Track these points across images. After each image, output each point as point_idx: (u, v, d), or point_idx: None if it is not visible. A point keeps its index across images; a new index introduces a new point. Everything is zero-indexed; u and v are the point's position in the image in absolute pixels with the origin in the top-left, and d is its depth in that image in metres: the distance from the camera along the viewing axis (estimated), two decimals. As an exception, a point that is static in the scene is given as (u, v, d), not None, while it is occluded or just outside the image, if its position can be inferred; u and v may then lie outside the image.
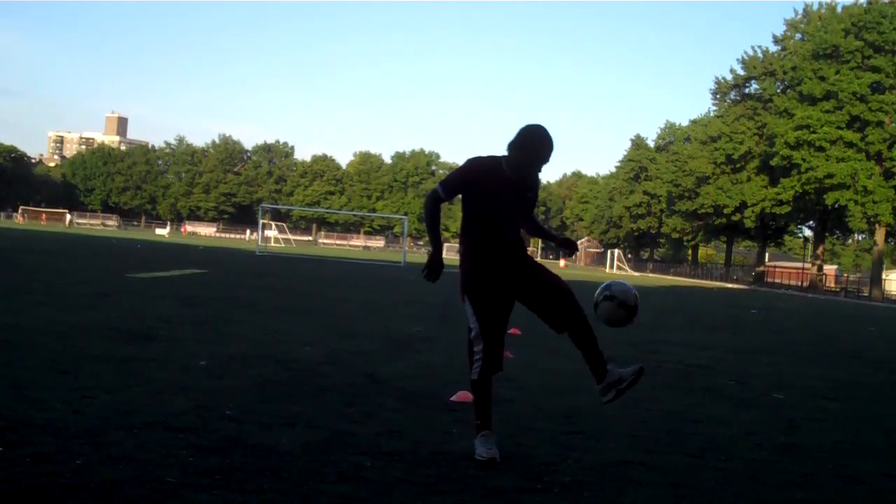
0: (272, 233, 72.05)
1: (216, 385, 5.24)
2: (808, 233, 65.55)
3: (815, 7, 55.50)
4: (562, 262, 66.92)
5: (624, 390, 3.89)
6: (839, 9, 50.98)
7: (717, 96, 65.96)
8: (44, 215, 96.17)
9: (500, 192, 3.88)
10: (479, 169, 3.91)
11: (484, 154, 4.02)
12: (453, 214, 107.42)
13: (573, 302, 3.91)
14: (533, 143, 3.83)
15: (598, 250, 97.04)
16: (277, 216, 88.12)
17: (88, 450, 3.54)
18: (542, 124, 3.89)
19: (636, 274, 69.21)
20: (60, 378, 5.05)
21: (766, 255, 69.73)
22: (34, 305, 8.94)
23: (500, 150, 3.96)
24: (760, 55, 60.57)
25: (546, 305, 3.94)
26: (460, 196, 4.04)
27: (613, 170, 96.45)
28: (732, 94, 63.94)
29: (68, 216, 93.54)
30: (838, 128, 45.86)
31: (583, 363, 4.05)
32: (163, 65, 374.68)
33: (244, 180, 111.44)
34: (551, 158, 3.90)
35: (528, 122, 3.94)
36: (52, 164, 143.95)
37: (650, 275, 71.29)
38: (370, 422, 4.54)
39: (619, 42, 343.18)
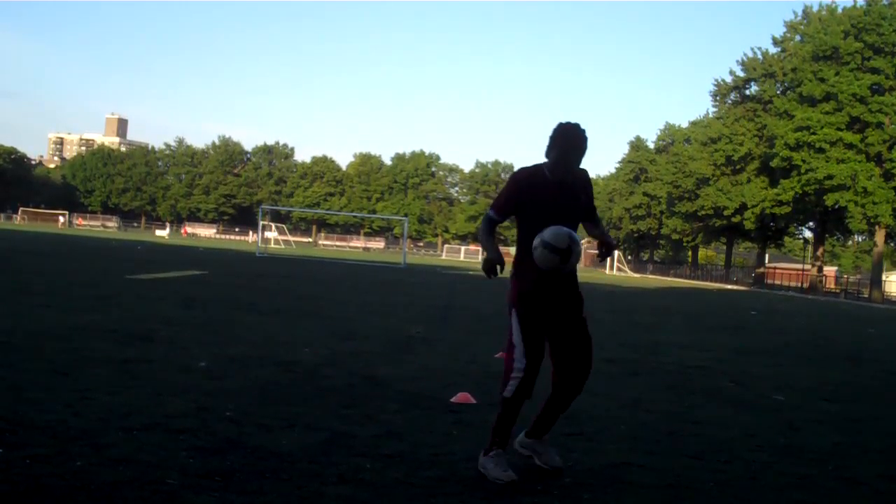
0: (272, 234, 72.02)
1: (216, 387, 5.24)
2: (808, 234, 65.57)
3: (815, 9, 55.53)
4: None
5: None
6: (839, 10, 51.02)
7: (717, 98, 65.97)
8: (34, 216, 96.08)
9: (549, 201, 3.75)
10: (523, 180, 3.80)
11: (528, 165, 3.90)
12: (453, 216, 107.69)
13: (583, 378, 3.81)
14: (564, 140, 3.71)
15: (597, 251, 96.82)
16: (277, 217, 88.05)
17: (88, 451, 3.54)
18: (572, 121, 3.77)
19: (636, 275, 69.21)
20: (60, 380, 5.05)
21: (766, 256, 69.70)
22: (34, 307, 8.94)
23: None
24: (760, 57, 60.58)
25: (562, 356, 3.80)
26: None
27: (613, 171, 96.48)
28: (732, 96, 63.95)
29: (61, 217, 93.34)
30: (838, 129, 45.85)
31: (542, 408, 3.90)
32: (163, 66, 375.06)
33: (244, 182, 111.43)
34: (585, 153, 3.77)
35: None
36: (52, 166, 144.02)
37: (650, 276, 71.28)
38: (370, 423, 4.54)
39: (619, 43, 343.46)
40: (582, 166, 3.85)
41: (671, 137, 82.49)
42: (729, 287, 53.99)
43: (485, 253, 3.84)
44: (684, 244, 76.88)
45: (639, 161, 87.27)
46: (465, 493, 3.41)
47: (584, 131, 3.74)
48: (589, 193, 3.92)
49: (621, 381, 6.84)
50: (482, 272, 3.86)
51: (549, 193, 3.75)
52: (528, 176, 3.80)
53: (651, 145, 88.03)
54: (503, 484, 3.56)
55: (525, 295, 3.77)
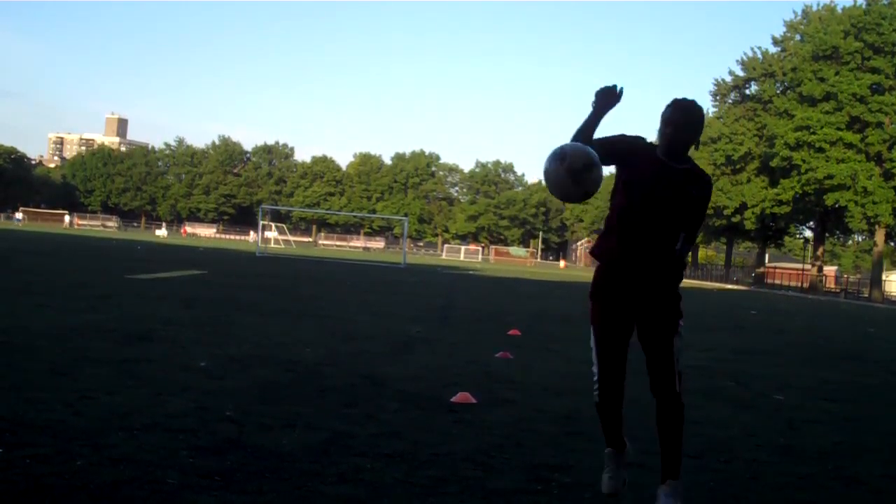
0: (272, 234, 71.99)
1: (216, 386, 5.24)
2: (808, 234, 65.54)
3: (815, 8, 55.55)
4: (562, 264, 66.87)
5: None
6: (839, 10, 51.02)
7: (717, 97, 65.98)
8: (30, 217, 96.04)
9: (654, 180, 3.18)
10: (629, 138, 3.31)
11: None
12: (453, 216, 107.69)
13: (672, 381, 3.36)
14: (679, 114, 3.18)
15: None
16: (277, 217, 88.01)
17: (88, 451, 3.54)
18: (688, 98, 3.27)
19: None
20: (60, 379, 5.05)
21: (766, 256, 69.71)
22: (34, 307, 8.94)
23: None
24: (760, 56, 60.59)
25: (648, 364, 3.37)
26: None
27: (613, 170, 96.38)
28: (732, 96, 63.96)
29: (66, 217, 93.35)
30: (838, 129, 45.86)
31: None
32: (163, 66, 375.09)
33: (244, 181, 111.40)
34: (700, 134, 3.25)
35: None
36: (52, 166, 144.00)
37: (650, 276, 71.22)
38: (370, 423, 4.54)
39: (619, 43, 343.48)
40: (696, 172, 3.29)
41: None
42: (729, 287, 54.00)
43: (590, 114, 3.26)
44: (684, 244, 76.80)
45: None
46: (465, 493, 3.41)
47: (700, 109, 3.25)
48: (703, 192, 3.27)
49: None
50: (597, 99, 3.25)
51: (654, 170, 3.20)
52: (638, 144, 3.30)
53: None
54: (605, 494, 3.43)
55: (600, 291, 3.32)
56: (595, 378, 3.36)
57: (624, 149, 3.28)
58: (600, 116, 3.27)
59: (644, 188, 3.19)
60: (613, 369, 3.33)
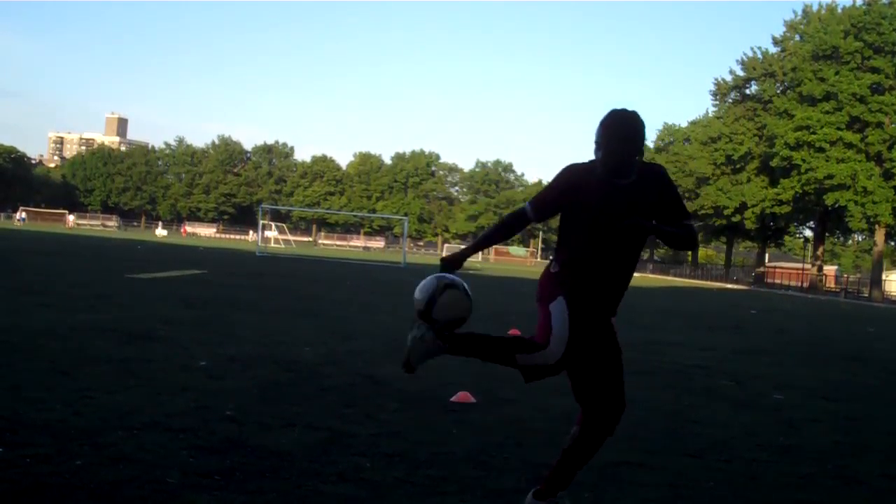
0: (272, 233, 71.98)
1: (216, 386, 5.24)
2: (808, 233, 65.61)
3: (815, 8, 55.55)
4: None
5: None
6: (839, 10, 51.03)
7: (717, 97, 66.02)
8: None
9: (599, 204, 3.01)
10: (572, 176, 3.07)
11: (579, 162, 3.18)
12: (453, 215, 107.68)
13: (617, 416, 3.15)
14: (614, 128, 3.00)
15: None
16: (277, 217, 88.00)
17: (88, 450, 3.54)
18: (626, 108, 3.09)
19: (636, 274, 69.16)
20: (60, 379, 5.05)
21: (766, 255, 69.73)
22: (34, 307, 8.94)
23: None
24: (760, 56, 60.61)
25: (595, 389, 3.12)
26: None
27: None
28: (732, 95, 64.00)
29: (71, 217, 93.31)
30: (838, 129, 45.89)
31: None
32: (163, 65, 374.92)
33: (244, 181, 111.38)
34: (643, 143, 3.07)
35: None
36: (52, 165, 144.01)
37: (650, 275, 71.28)
38: (370, 422, 4.55)
39: (619, 43, 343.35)
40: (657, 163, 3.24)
41: (671, 137, 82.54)
42: (729, 286, 53.99)
43: (460, 252, 3.21)
44: (684, 244, 76.80)
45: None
46: (465, 493, 3.41)
47: (638, 116, 3.04)
48: (666, 192, 3.13)
49: (621, 381, 6.84)
50: (439, 264, 3.23)
51: (600, 194, 3.02)
52: (578, 172, 3.07)
53: (651, 145, 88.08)
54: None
55: (577, 297, 3.05)
56: (544, 360, 3.05)
57: (563, 197, 3.08)
58: (475, 252, 3.27)
59: (593, 213, 3.01)
60: (564, 367, 3.09)
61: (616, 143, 2.98)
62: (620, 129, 2.99)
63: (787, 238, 73.25)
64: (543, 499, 3.20)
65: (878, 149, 45.23)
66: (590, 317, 3.06)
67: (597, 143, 3.03)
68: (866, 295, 47.48)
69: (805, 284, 53.10)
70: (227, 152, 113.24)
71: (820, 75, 46.74)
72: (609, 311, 3.12)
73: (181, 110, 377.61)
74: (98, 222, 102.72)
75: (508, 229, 3.18)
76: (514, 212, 3.19)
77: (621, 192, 3.02)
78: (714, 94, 66.34)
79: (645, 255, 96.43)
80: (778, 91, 57.02)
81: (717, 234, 68.03)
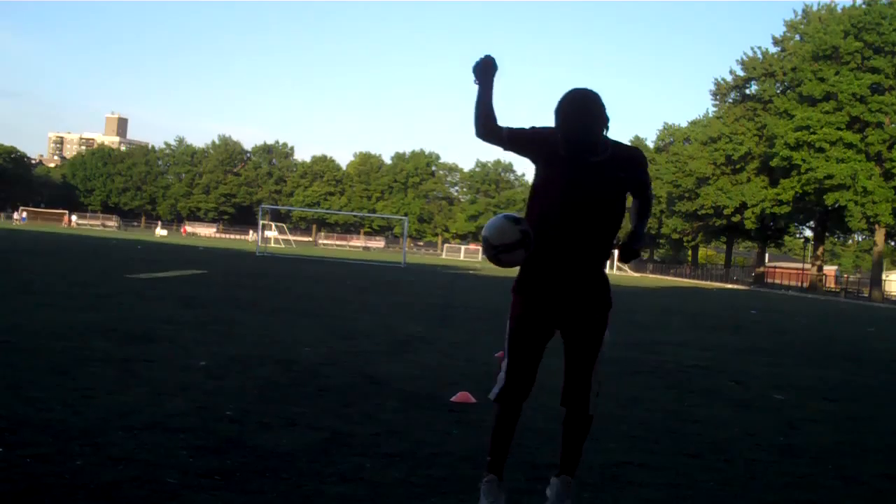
0: (272, 233, 71.97)
1: (216, 386, 5.24)
2: (808, 233, 65.60)
3: (815, 8, 55.58)
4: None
5: None
6: (839, 10, 51.05)
7: (717, 97, 66.04)
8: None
9: (562, 174, 3.04)
10: (552, 136, 3.05)
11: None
12: (453, 215, 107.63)
13: (585, 394, 3.26)
14: (563, 110, 2.98)
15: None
16: (277, 217, 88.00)
17: (88, 451, 3.54)
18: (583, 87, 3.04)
19: (636, 274, 69.19)
20: (60, 379, 5.05)
21: (766, 255, 69.73)
22: (34, 306, 8.93)
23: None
24: (760, 56, 60.63)
25: (566, 366, 3.25)
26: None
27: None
28: (732, 95, 64.03)
29: (74, 217, 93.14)
30: (838, 129, 45.90)
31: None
32: (163, 65, 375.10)
33: (244, 181, 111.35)
34: (599, 120, 3.00)
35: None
36: (52, 165, 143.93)
37: (650, 275, 71.27)
38: (370, 422, 4.54)
39: (619, 43, 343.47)
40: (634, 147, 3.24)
41: (671, 137, 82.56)
42: (729, 286, 53.99)
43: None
44: (684, 243, 76.88)
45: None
46: (465, 493, 3.41)
47: (590, 94, 3.01)
48: (635, 173, 3.15)
49: (621, 381, 6.83)
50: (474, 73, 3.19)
51: (562, 166, 3.05)
52: (554, 137, 3.05)
53: (651, 144, 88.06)
54: None
55: (522, 282, 3.20)
56: (502, 373, 3.19)
57: (535, 145, 3.11)
58: (489, 88, 3.15)
59: (557, 180, 3.05)
60: (523, 370, 3.17)
61: (571, 122, 2.97)
62: (572, 109, 2.97)
63: (787, 238, 73.26)
64: (557, 476, 3.31)
65: (878, 149, 45.23)
66: (547, 296, 3.13)
67: (556, 126, 3.02)
68: (866, 295, 47.48)
69: (805, 284, 53.11)
70: (227, 152, 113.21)
71: (820, 75, 46.75)
72: (576, 285, 3.13)
73: (181, 110, 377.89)
74: (98, 222, 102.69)
75: (487, 117, 3.13)
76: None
77: (591, 168, 3.03)
78: (714, 94, 66.37)
79: (645, 256, 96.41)
80: (778, 91, 57.04)
81: (717, 234, 68.03)
